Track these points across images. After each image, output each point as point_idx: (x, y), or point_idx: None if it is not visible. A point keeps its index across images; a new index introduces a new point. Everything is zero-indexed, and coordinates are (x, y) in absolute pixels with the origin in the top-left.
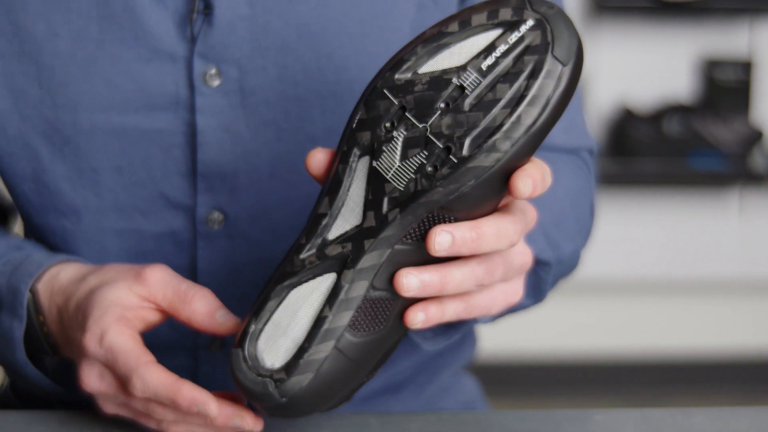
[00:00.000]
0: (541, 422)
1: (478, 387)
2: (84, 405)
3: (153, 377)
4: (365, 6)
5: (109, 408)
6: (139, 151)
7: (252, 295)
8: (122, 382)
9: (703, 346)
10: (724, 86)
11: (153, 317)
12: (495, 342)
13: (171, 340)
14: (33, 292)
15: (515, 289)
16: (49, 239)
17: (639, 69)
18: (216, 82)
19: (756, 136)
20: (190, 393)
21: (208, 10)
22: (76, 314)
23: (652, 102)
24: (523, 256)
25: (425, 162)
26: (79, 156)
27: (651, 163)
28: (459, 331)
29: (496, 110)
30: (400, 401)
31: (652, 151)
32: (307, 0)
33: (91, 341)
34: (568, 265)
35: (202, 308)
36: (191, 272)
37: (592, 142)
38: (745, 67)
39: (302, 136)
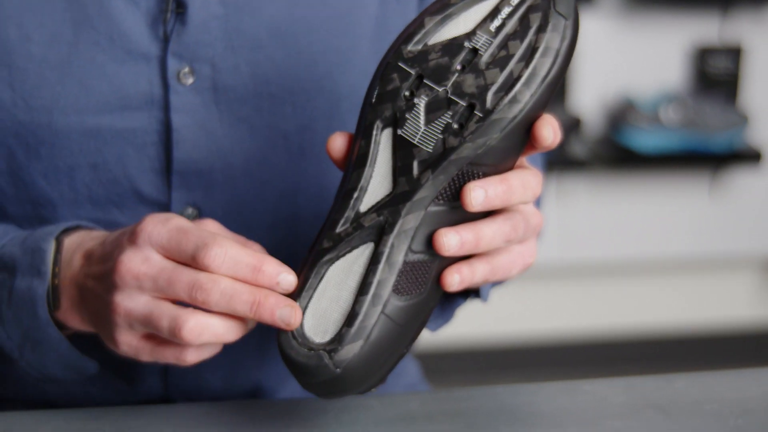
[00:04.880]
0: (534, 395)
1: (418, 369)
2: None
3: (234, 246)
4: (332, 3)
5: (128, 306)
6: (113, 150)
7: None
8: (187, 256)
9: (509, 332)
10: None
11: None
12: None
13: None
14: (59, 242)
15: (530, 251)
16: (25, 227)
17: None
18: (190, 81)
19: (574, 123)
20: (275, 262)
21: (181, 9)
22: (120, 233)
23: None
24: (537, 217)
25: (451, 121)
26: (55, 155)
27: None
28: (453, 312)
29: (512, 64)
30: None
31: None
32: None
33: (150, 226)
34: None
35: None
36: None
37: None
38: None
39: (274, 133)
